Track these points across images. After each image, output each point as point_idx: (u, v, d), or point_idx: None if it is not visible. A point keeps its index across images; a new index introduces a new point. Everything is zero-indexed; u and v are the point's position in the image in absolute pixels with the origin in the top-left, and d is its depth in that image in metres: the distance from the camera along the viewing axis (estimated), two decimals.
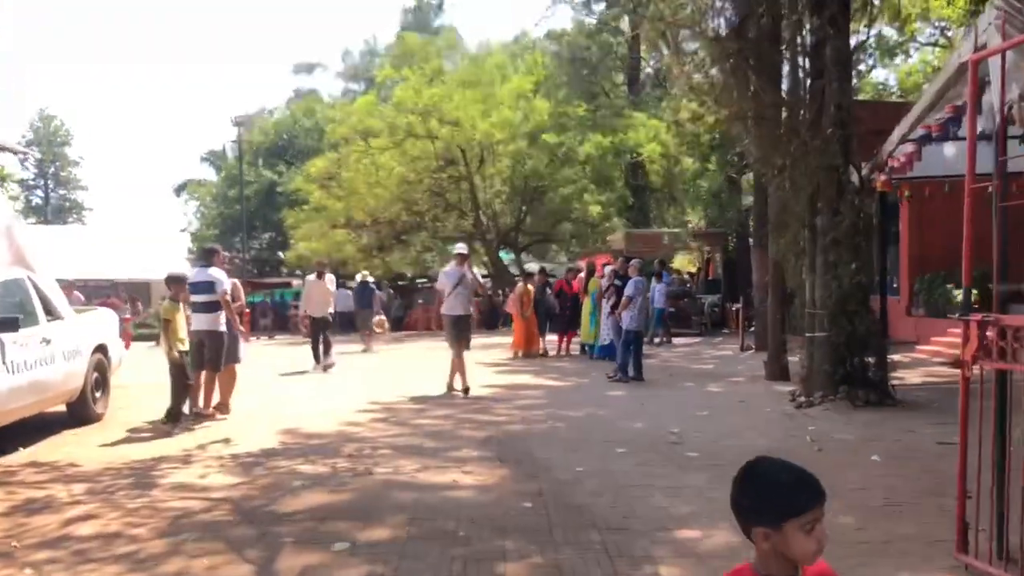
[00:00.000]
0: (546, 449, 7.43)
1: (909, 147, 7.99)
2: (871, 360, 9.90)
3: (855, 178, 9.99)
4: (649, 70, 41.03)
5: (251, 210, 40.01)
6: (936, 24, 24.03)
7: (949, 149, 10.04)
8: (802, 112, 10.54)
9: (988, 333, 4.24)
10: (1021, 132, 9.02)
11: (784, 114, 10.77)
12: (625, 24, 39.38)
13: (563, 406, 10.01)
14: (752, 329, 16.99)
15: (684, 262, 30.22)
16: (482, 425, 8.73)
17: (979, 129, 8.48)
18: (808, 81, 10.59)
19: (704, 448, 7.43)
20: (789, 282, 11.30)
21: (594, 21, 39.00)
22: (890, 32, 24.22)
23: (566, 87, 32.48)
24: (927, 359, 14.04)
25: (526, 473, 6.48)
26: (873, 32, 11.87)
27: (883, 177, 9.67)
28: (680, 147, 31.76)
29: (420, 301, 31.39)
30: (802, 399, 9.90)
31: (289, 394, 11.46)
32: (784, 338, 12.27)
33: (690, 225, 20.90)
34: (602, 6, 38.30)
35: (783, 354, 12.22)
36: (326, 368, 14.00)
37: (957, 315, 4.34)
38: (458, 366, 10.96)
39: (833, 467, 6.66)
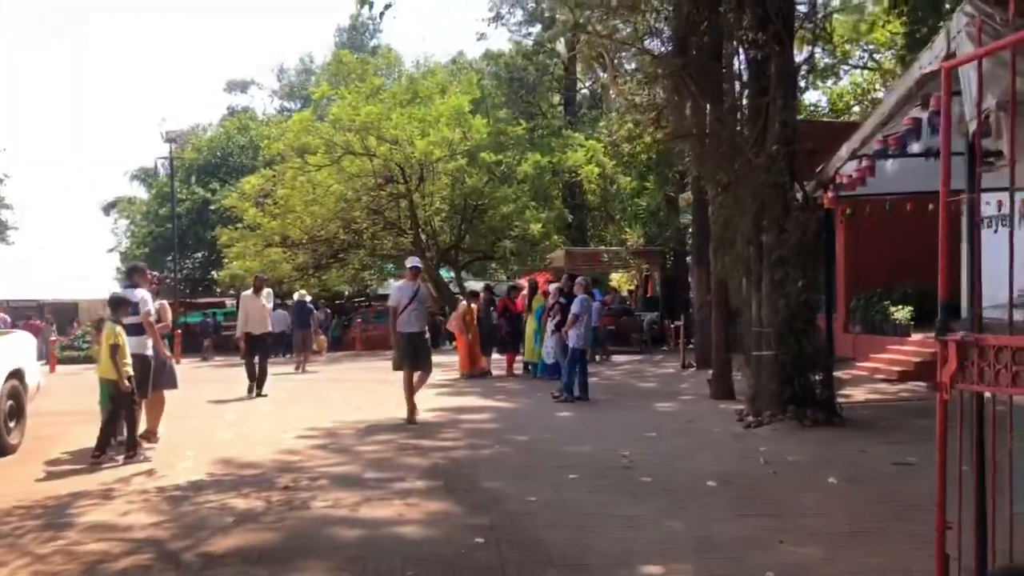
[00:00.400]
0: (495, 477, 7.11)
1: (862, 162, 7.94)
2: (818, 379, 9.84)
3: (800, 195, 9.96)
4: (585, 91, 41.37)
5: (183, 228, 38.84)
6: (865, 47, 24.59)
7: (891, 166, 10.07)
8: (746, 129, 10.50)
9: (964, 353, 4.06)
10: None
11: (728, 131, 10.70)
12: (561, 46, 39.67)
13: (510, 429, 9.71)
14: (692, 346, 16.95)
15: (622, 280, 30.26)
16: (427, 452, 8.36)
17: (926, 146, 8.51)
18: (750, 98, 10.56)
19: (657, 472, 7.20)
20: (734, 300, 11.21)
21: (531, 43, 39.20)
22: (820, 54, 24.72)
23: (505, 107, 32.44)
24: (867, 376, 14.13)
25: (475, 504, 6.15)
26: (813, 51, 11.94)
27: (830, 194, 9.63)
28: (617, 167, 31.97)
29: (358, 320, 30.84)
30: (750, 419, 9.77)
31: (221, 420, 10.90)
32: (728, 356, 12.16)
33: (629, 243, 20.86)
34: (539, 28, 38.51)
35: (728, 372, 12.12)
36: (261, 395, 13.32)
37: (935, 335, 4.15)
38: (411, 388, 10.35)
39: (791, 491, 6.49)
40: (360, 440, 9.11)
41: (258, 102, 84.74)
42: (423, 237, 30.01)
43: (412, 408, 10.23)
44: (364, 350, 29.33)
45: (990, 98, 4.04)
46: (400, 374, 10.57)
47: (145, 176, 45.15)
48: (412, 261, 11.18)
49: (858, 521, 5.57)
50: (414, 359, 10.37)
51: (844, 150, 8.26)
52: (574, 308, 12.06)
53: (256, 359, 13.49)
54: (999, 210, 15.05)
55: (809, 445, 8.45)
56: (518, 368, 16.43)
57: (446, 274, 32.99)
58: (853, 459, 7.73)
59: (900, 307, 15.48)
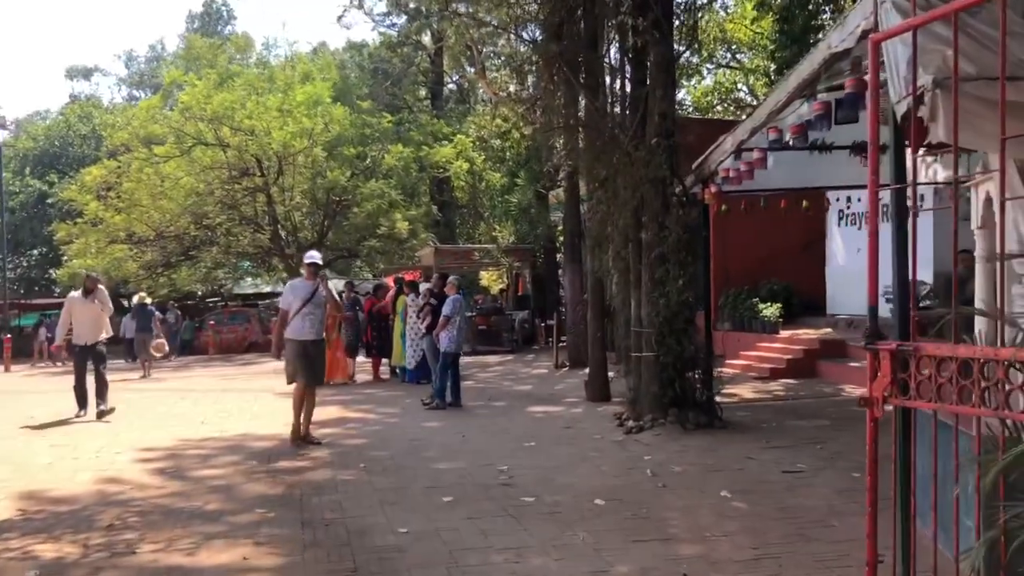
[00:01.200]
0: (359, 504, 6.29)
1: (754, 154, 7.58)
2: (698, 380, 9.51)
3: (679, 190, 9.59)
4: (452, 85, 40.69)
5: (16, 224, 35.67)
6: (730, 48, 24.98)
7: (769, 161, 9.85)
8: (625, 122, 10.06)
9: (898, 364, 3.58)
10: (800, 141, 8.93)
11: (606, 123, 10.24)
12: (428, 38, 38.83)
13: (378, 444, 8.88)
14: (563, 344, 16.55)
15: (492, 278, 29.76)
16: (281, 475, 7.44)
17: (813, 138, 8.24)
18: (629, 89, 10.13)
19: (540, 490, 6.57)
20: (613, 299, 10.78)
21: (396, 33, 38.16)
22: (686, 52, 24.94)
23: (369, 99, 31.31)
24: (740, 374, 14.06)
25: (337, 541, 5.33)
26: (693, 42, 11.66)
27: (713, 188, 9.30)
28: (486, 162, 31.41)
29: (211, 322, 29.01)
30: (631, 423, 9.32)
31: (44, 440, 9.56)
32: (605, 357, 11.73)
33: (500, 241, 20.31)
34: (404, 19, 37.53)
35: (605, 374, 11.69)
36: (100, 416, 11.04)
37: (864, 343, 3.64)
38: (301, 405, 8.87)
39: (685, 509, 5.99)
40: (204, 463, 8.06)
41: (104, 90, 79.63)
42: (282, 234, 28.54)
43: (297, 427, 8.87)
44: (217, 354, 27.63)
45: (923, 76, 3.58)
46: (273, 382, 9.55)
47: None
48: (311, 256, 9.48)
49: (762, 543, 5.10)
50: (310, 371, 8.91)
51: (729, 142, 7.89)
52: (446, 309, 11.33)
53: (92, 372, 11.17)
54: (848, 206, 15.40)
55: (694, 451, 8.04)
56: (385, 373, 15.55)
57: None
58: (742, 467, 7.35)
59: (768, 304, 15.56)
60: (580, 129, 10.47)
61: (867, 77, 5.44)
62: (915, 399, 3.53)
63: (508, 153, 26.18)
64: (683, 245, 9.33)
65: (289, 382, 9.00)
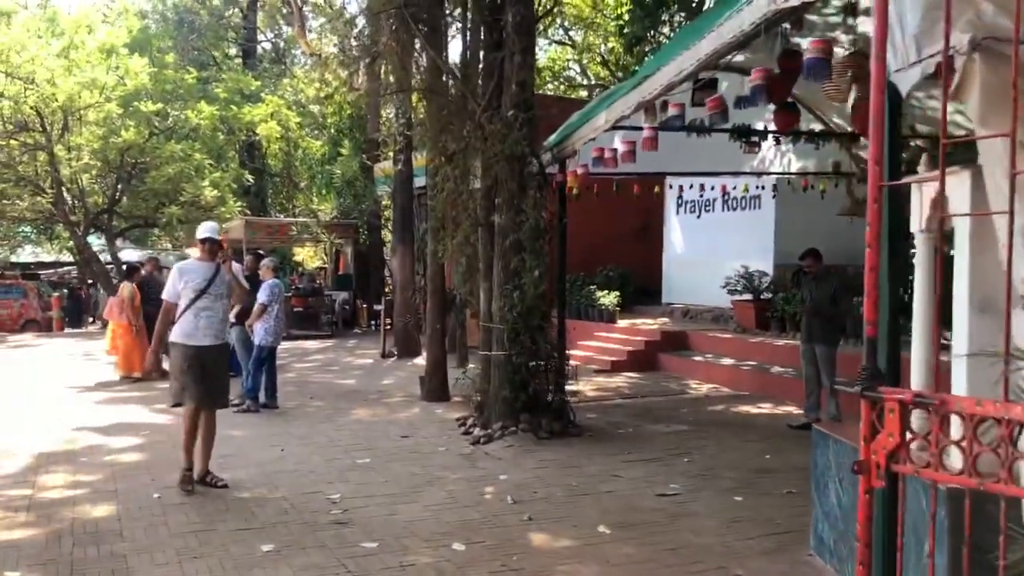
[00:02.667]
0: (149, 556, 4.85)
1: (644, 132, 6.64)
2: (550, 381, 8.59)
3: (538, 171, 8.58)
4: (267, 44, 37.95)
5: None
6: (565, 25, 24.36)
7: (615, 141, 9.03)
8: (476, 89, 8.92)
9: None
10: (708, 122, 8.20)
11: (457, 90, 9.04)
12: None
13: (174, 461, 7.31)
14: (388, 329, 15.25)
15: (308, 255, 27.86)
16: (48, 510, 5.80)
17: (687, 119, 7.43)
18: (483, 52, 8.98)
19: (382, 531, 5.38)
20: (457, 289, 9.66)
21: None
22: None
23: (173, 52, 28.37)
24: (581, 366, 13.34)
25: None
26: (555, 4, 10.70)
27: (580, 169, 8.34)
28: (303, 129, 29.26)
29: None
30: (478, 431, 8.28)
31: None
32: (444, 353, 10.60)
33: (320, 215, 18.65)
34: None
35: (443, 371, 10.56)
36: None
37: (858, 386, 2.64)
38: (195, 433, 6.49)
39: (561, 552, 4.99)
40: None
41: None
42: (68, 198, 25.28)
43: (190, 468, 6.47)
44: None
45: (953, 35, 2.67)
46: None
47: None
48: (207, 229, 6.88)
49: None
50: (207, 388, 6.44)
51: (603, 118, 6.92)
52: (261, 296, 9.77)
53: None
54: (686, 193, 15.01)
55: (553, 468, 7.10)
56: None
57: (96, 242, 28.34)
58: (610, 488, 6.47)
59: (605, 292, 14.98)
60: (424, 95, 9.22)
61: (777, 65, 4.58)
62: (937, 469, 2.62)
63: (329, 120, 24.37)
64: (540, 232, 8.35)
65: (175, 403, 6.61)
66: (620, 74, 22.87)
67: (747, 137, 8.50)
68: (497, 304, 8.39)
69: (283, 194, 34.38)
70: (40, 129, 23.40)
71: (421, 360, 14.63)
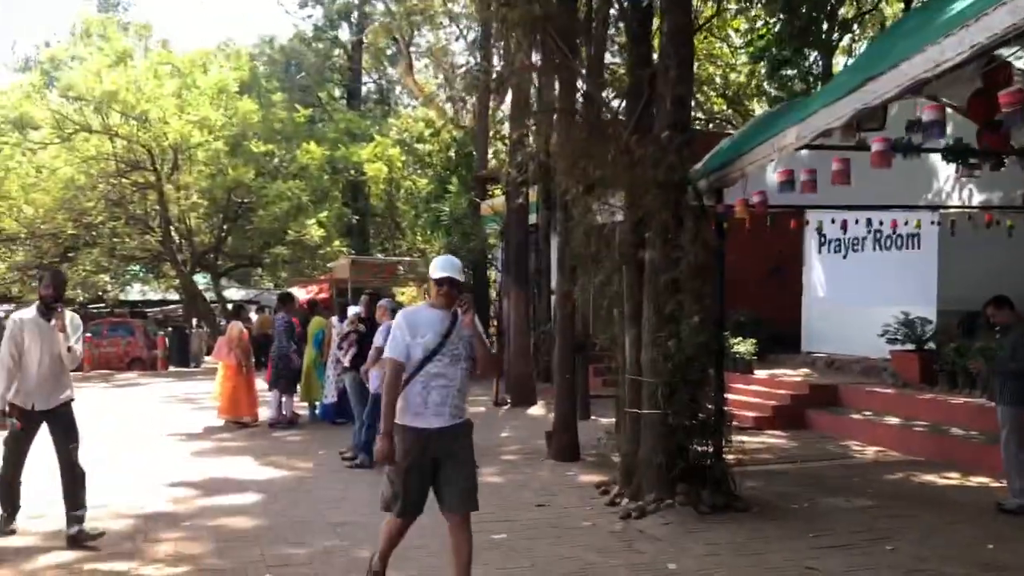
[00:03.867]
0: None
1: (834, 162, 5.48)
2: (710, 446, 7.38)
3: (696, 199, 7.48)
4: (371, 85, 38.13)
5: None
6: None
7: (769, 174, 7.86)
8: (619, 109, 7.91)
9: None
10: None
11: (597, 110, 8.05)
12: (346, 32, 36.23)
13: (284, 530, 6.39)
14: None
15: (410, 296, 27.20)
16: None
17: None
18: (629, 68, 7.98)
19: None
20: (599, 337, 8.59)
21: (311, 26, 35.45)
22: None
23: (280, 92, 28.54)
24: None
25: None
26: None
27: (756, 197, 7.21)
28: (405, 167, 28.93)
29: (87, 335, 25.54)
30: (627, 503, 7.10)
31: None
32: (575, 407, 9.47)
33: (429, 253, 17.89)
34: (320, 11, 34.86)
35: (574, 426, 9.43)
36: (79, 540, 5.92)
37: None
38: (394, 543, 5.00)
39: None
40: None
41: None
42: (176, 237, 25.45)
43: (384, 569, 5.01)
44: (94, 371, 24.23)
45: None
46: None
47: None
48: (446, 267, 4.74)
49: None
50: (449, 490, 4.74)
51: (793, 134, 5.78)
52: (378, 339, 8.88)
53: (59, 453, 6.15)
54: (845, 232, 13.61)
55: (728, 554, 5.88)
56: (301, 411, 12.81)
57: (201, 280, 28.47)
58: None
59: (740, 339, 13.63)
60: (562, 117, 8.25)
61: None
62: None
63: (435, 157, 23.86)
64: (701, 271, 7.21)
65: (386, 508, 4.88)
66: (742, 107, 21.68)
67: (965, 158, 7.22)
68: (648, 354, 7.25)
69: (383, 234, 34.17)
70: (151, 168, 23.62)
71: (538, 410, 13.61)
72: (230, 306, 27.03)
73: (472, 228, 18.03)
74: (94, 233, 25.51)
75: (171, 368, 26.01)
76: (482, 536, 6.24)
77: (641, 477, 7.21)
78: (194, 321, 27.53)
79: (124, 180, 23.67)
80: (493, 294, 22.02)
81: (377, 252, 31.37)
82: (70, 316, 6.18)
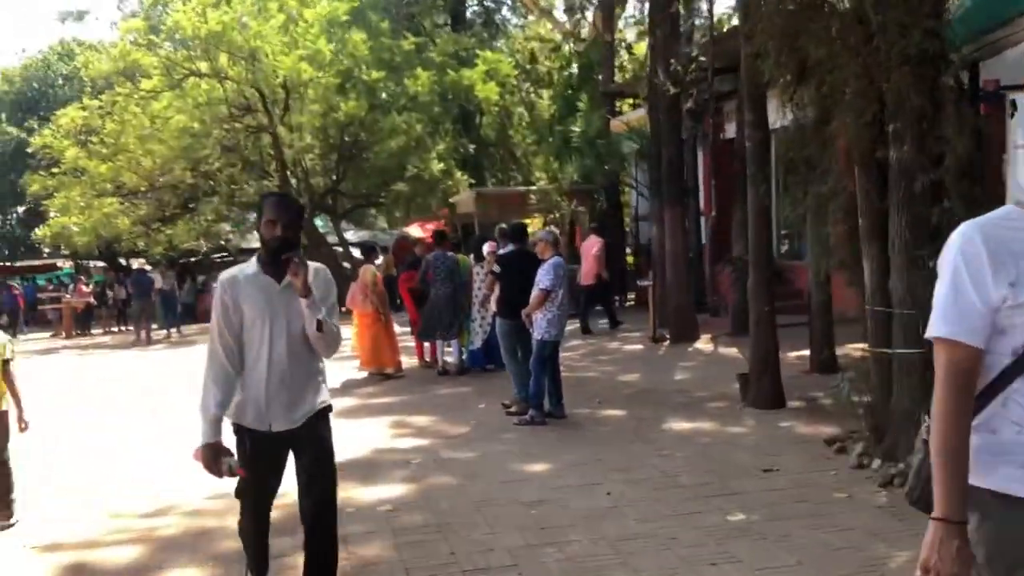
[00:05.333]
0: None
1: None
2: None
3: (954, 80, 5.81)
4: (476, 7, 36.31)
5: None
6: None
7: None
8: None
9: None
10: None
11: None
12: None
13: (461, 514, 5.26)
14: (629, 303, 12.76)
15: (534, 226, 25.93)
16: None
17: None
18: None
19: None
20: (821, 266, 7.07)
21: None
22: None
23: (387, 20, 27.18)
24: None
25: None
26: None
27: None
28: (516, 90, 27.24)
29: (213, 284, 25.37)
30: (883, 467, 5.67)
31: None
32: (776, 344, 7.99)
33: (561, 180, 16.47)
34: None
35: (777, 369, 7.96)
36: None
37: None
38: None
39: None
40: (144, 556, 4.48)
41: (98, 35, 74.92)
42: (293, 180, 24.76)
43: None
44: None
45: None
46: None
47: None
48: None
49: None
50: None
51: None
52: (543, 278, 7.63)
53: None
54: None
55: None
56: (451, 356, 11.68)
57: (321, 224, 27.89)
58: None
59: None
60: None
61: None
62: None
63: (555, 76, 22.27)
64: (966, 171, 5.59)
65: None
66: None
67: None
68: (902, 279, 5.71)
69: (497, 164, 32.79)
70: (263, 110, 22.84)
71: (701, 345, 12.24)
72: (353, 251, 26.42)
73: (607, 149, 16.45)
74: (211, 182, 25.11)
75: None
76: (715, 517, 4.98)
77: (897, 433, 5.75)
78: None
79: (237, 125, 22.98)
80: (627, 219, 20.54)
81: (491, 184, 30.08)
82: (315, 270, 3.61)
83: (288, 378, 3.57)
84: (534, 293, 7.69)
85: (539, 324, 7.71)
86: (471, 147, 27.88)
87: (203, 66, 21.94)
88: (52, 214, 26.17)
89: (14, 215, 34.72)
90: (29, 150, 30.76)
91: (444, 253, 10.75)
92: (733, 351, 11.42)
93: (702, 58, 13.68)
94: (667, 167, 12.61)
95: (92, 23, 56.65)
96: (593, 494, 5.53)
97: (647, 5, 14.51)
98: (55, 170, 24.34)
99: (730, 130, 15.91)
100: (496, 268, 8.58)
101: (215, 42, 20.95)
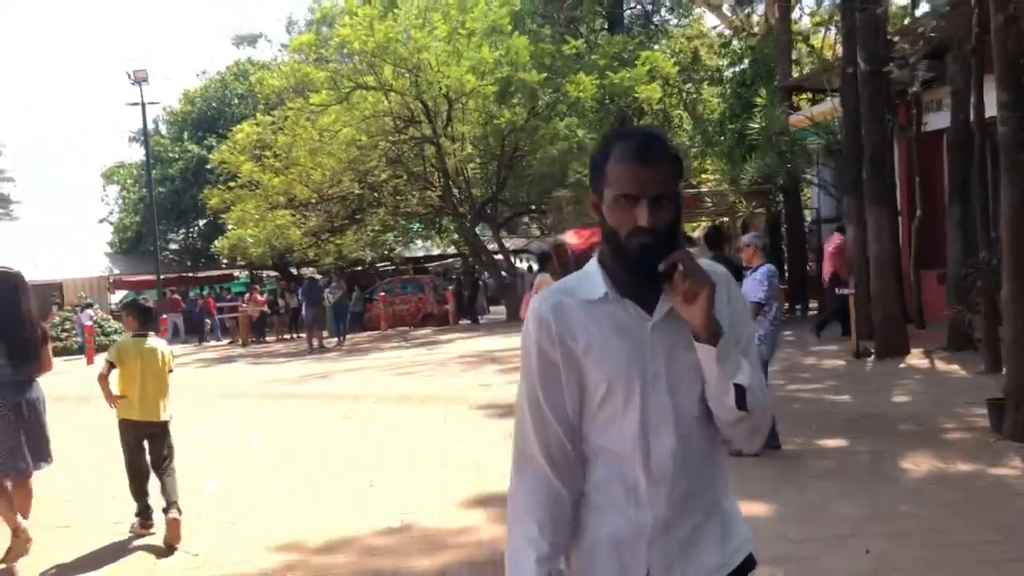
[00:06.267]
0: None
1: None
2: None
3: None
4: (634, 10, 35.42)
5: (177, 192, 33.88)
6: None
7: None
8: None
9: None
10: None
11: None
12: None
13: None
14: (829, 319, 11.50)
15: (693, 229, 24.82)
16: None
17: None
18: None
19: None
20: None
21: None
22: None
23: (547, 26, 26.78)
24: None
25: None
26: None
27: None
28: (676, 91, 26.18)
29: (382, 293, 25.63)
30: None
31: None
32: None
33: (740, 180, 15.36)
34: None
35: None
36: None
37: None
38: None
39: None
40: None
41: (268, 57, 78.83)
42: (454, 190, 24.74)
43: None
44: (390, 328, 24.33)
45: None
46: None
47: (137, 137, 40.12)
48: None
49: None
50: None
51: None
52: (754, 290, 6.78)
53: None
54: None
55: None
56: None
57: (480, 233, 27.80)
58: None
59: None
60: None
61: None
62: None
63: (725, 71, 21.16)
64: None
65: None
66: None
67: None
68: None
69: None
70: (426, 120, 22.90)
71: (914, 361, 10.95)
72: (517, 260, 25.96)
73: (790, 146, 15.25)
74: (376, 193, 25.48)
75: (460, 322, 25.63)
76: None
77: None
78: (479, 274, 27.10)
79: (401, 136, 23.16)
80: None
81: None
82: (715, 277, 1.75)
83: (679, 500, 1.77)
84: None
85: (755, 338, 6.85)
86: None
87: (369, 79, 22.19)
88: (230, 227, 27.33)
89: (196, 228, 36.59)
90: (208, 166, 32.45)
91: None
92: (956, 369, 10.16)
93: (904, 45, 12.35)
94: (870, 163, 11.39)
95: (264, 46, 59.36)
96: (847, 551, 4.65)
97: None
98: (232, 184, 25.36)
99: (933, 121, 14.41)
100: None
101: (381, 54, 21.11)
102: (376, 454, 7.73)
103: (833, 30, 22.51)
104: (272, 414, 10.59)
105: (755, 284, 6.83)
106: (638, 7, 34.17)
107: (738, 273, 7.18)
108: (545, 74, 21.88)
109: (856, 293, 11.70)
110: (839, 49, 15.07)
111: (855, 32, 12.03)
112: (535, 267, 15.47)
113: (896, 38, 12.66)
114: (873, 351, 11.34)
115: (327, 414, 10.21)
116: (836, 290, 12.77)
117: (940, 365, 10.46)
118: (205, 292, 33.97)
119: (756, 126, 15.51)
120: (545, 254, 11.13)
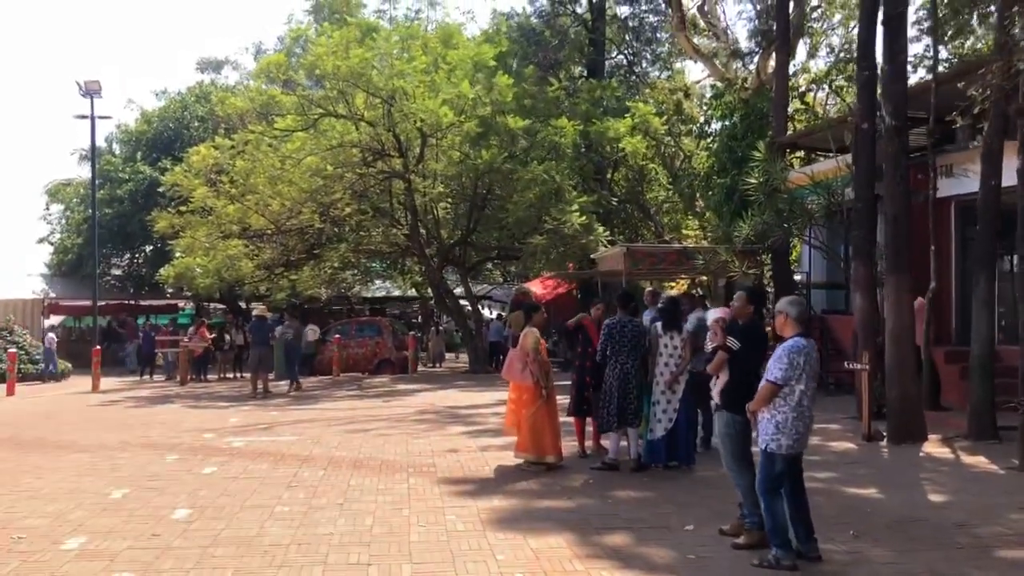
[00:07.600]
0: None
1: None
2: None
3: None
4: (619, 57, 34.87)
5: (125, 214, 32.05)
6: None
7: None
8: None
9: None
10: None
11: None
12: (583, 6, 33.26)
13: None
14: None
15: (679, 288, 23.79)
16: None
17: None
18: None
19: None
20: None
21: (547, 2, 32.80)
22: None
23: (531, 68, 25.88)
24: None
25: None
26: None
27: None
28: (658, 146, 25.39)
29: (336, 336, 24.00)
30: None
31: None
32: None
33: (735, 239, 14.26)
34: None
35: None
36: None
37: None
38: None
39: None
40: None
41: (233, 82, 77.26)
42: (422, 229, 23.46)
43: None
44: (343, 373, 22.77)
45: None
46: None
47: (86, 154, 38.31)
48: None
49: None
50: None
51: None
52: (774, 368, 5.59)
53: None
54: None
55: None
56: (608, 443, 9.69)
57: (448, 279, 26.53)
58: None
59: None
60: None
61: None
62: None
63: (714, 124, 20.37)
64: None
65: None
66: None
67: None
68: None
69: (628, 220, 30.83)
70: (398, 155, 21.69)
71: (932, 449, 9.86)
72: (485, 311, 24.57)
73: (788, 203, 14.27)
74: (338, 228, 24.07)
75: (420, 370, 24.19)
76: None
77: None
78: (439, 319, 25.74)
79: (370, 169, 21.88)
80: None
81: (622, 239, 28.12)
82: None
83: None
84: (761, 384, 5.67)
85: (764, 427, 5.67)
86: (616, 200, 26.01)
87: (340, 108, 20.97)
88: (177, 254, 25.64)
89: (142, 254, 34.76)
90: (160, 189, 30.77)
91: (629, 319, 8.82)
92: (983, 461, 9.06)
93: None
94: (892, 226, 10.37)
95: (229, 72, 57.69)
96: None
97: (854, 40, 12.39)
98: (183, 209, 23.79)
99: (944, 187, 13.58)
100: (734, 343, 6.44)
101: (354, 80, 19.91)
102: (323, 539, 6.30)
103: (826, 89, 21.90)
104: (204, 474, 9.06)
105: (775, 359, 5.64)
106: (620, 57, 33.62)
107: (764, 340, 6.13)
108: (528, 120, 20.90)
109: (872, 370, 10.56)
110: (831, 109, 14.26)
111: (874, 84, 11.14)
112: (503, 314, 14.25)
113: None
114: (885, 434, 10.21)
115: (269, 478, 8.70)
116: (845, 364, 11.64)
117: (964, 457, 9.35)
118: (162, 321, 31.93)
119: (753, 181, 14.51)
120: (534, 306, 9.95)
